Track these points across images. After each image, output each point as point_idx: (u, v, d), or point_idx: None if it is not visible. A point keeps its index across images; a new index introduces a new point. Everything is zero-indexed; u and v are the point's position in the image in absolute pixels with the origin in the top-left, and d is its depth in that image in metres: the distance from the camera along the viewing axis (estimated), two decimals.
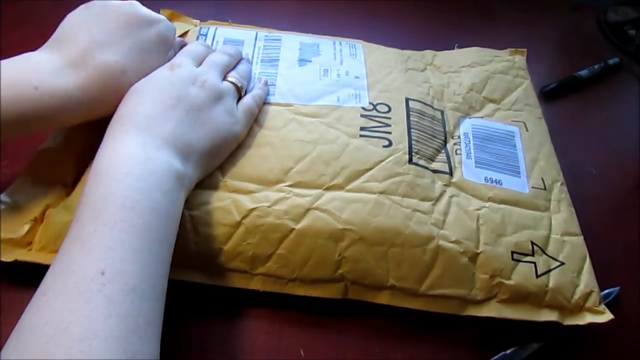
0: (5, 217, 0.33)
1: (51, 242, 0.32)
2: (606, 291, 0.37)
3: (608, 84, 0.55)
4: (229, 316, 0.33)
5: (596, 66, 0.55)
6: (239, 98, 0.37)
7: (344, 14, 0.58)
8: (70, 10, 0.33)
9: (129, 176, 0.27)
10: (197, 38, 0.43)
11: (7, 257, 0.31)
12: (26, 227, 0.32)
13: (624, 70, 0.57)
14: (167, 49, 0.35)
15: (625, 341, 0.36)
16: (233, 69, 0.38)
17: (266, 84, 0.40)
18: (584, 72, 0.55)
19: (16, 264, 0.31)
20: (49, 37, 0.32)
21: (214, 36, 0.43)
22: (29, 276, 0.30)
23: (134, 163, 0.27)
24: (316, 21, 0.56)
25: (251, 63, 0.41)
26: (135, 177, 0.27)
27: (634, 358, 0.35)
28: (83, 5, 0.33)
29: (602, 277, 0.35)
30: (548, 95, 0.52)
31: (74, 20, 0.32)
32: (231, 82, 0.36)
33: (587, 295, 0.33)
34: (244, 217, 0.32)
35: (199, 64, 0.36)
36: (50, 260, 0.31)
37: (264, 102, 0.38)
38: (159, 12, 0.39)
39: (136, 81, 0.32)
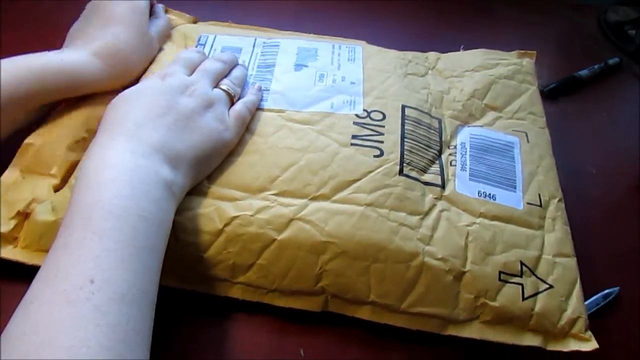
0: None
1: (35, 241, 0.32)
2: (606, 291, 0.37)
3: (608, 84, 0.55)
4: (229, 316, 0.33)
5: (596, 66, 0.55)
6: (232, 105, 0.36)
7: (342, 13, 0.57)
8: (69, 12, 0.38)
9: (116, 183, 0.26)
10: (196, 47, 0.43)
11: None
12: (12, 223, 0.32)
13: (624, 70, 0.57)
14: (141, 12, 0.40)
15: (625, 341, 0.35)
16: (227, 75, 0.38)
17: (260, 89, 0.39)
18: (584, 72, 0.54)
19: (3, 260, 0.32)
20: (48, 39, 0.37)
21: (212, 45, 0.43)
22: (21, 270, 0.31)
23: (122, 170, 0.27)
24: (314, 21, 0.55)
25: (247, 69, 0.41)
26: (124, 184, 0.27)
27: (634, 358, 0.35)
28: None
29: (602, 277, 0.35)
30: (548, 95, 0.51)
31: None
32: (223, 90, 0.36)
33: (573, 321, 0.32)
34: (225, 225, 0.32)
35: (192, 72, 0.36)
36: (33, 260, 0.32)
37: (257, 108, 0.38)
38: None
39: (131, 46, 0.37)
